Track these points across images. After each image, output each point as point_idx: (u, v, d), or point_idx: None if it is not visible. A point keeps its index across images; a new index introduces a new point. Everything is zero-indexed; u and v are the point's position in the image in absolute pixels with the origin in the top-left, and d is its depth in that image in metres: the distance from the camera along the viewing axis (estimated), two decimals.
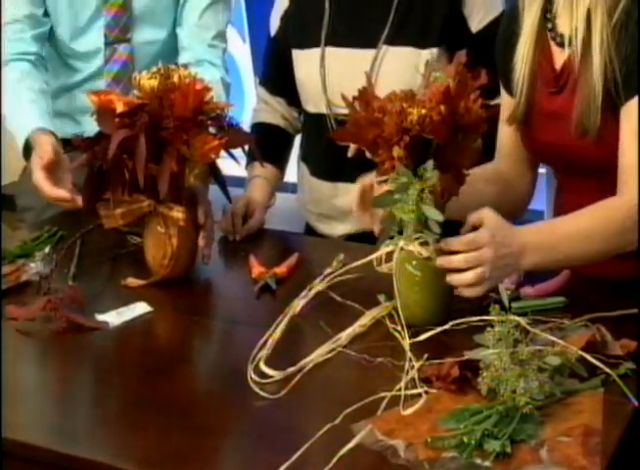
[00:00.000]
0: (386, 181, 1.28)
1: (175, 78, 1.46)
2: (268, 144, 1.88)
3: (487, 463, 0.99)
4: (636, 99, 1.37)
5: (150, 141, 1.42)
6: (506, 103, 1.57)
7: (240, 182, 1.92)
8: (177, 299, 1.49)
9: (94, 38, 1.92)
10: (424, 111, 1.21)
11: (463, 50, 1.34)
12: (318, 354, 1.25)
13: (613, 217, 1.37)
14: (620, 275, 1.56)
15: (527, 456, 1.00)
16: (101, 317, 1.37)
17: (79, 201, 1.55)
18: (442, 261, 1.28)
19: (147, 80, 1.46)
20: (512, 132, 1.56)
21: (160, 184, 1.44)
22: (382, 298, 1.40)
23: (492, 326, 1.12)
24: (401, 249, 1.31)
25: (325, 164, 1.84)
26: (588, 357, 1.13)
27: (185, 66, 1.52)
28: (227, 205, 1.72)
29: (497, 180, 1.57)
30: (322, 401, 1.17)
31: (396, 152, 1.21)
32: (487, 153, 1.60)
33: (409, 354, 1.22)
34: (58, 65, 1.97)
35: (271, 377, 1.19)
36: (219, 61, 1.93)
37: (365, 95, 1.29)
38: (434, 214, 1.23)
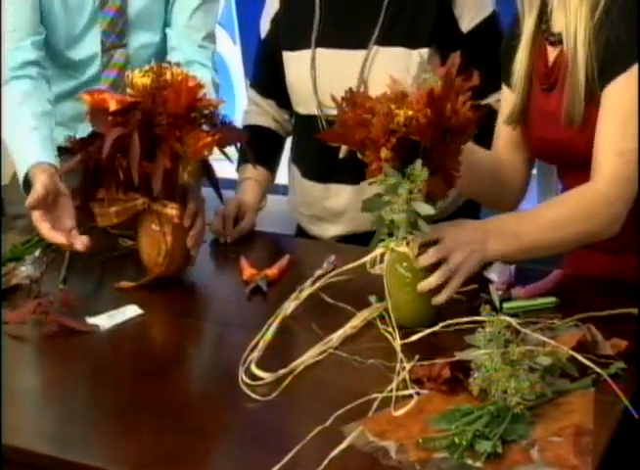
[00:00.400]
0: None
1: (168, 76, 1.46)
2: (259, 146, 1.88)
3: (479, 464, 0.99)
4: (611, 85, 1.37)
5: (143, 138, 1.42)
6: (507, 99, 1.58)
7: (231, 184, 1.92)
8: (168, 301, 1.49)
9: (90, 45, 1.90)
10: (410, 112, 1.22)
11: (457, 51, 1.33)
12: (309, 356, 1.25)
13: (579, 204, 1.37)
14: (615, 274, 1.57)
15: (519, 456, 1.00)
16: (92, 320, 1.37)
17: (78, 244, 1.52)
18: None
19: (140, 78, 1.46)
20: (509, 128, 1.58)
21: (154, 181, 1.44)
22: (373, 299, 1.40)
23: (483, 327, 1.12)
24: (392, 250, 1.32)
25: (316, 165, 1.84)
26: (579, 357, 1.13)
27: (178, 64, 1.52)
28: (219, 206, 1.72)
29: (495, 169, 1.58)
30: (313, 403, 1.17)
31: (384, 153, 1.22)
32: (482, 143, 1.59)
33: (400, 356, 1.22)
34: (52, 74, 1.95)
35: (262, 379, 1.19)
36: (209, 62, 1.92)
37: (353, 96, 1.29)
38: (426, 209, 1.23)
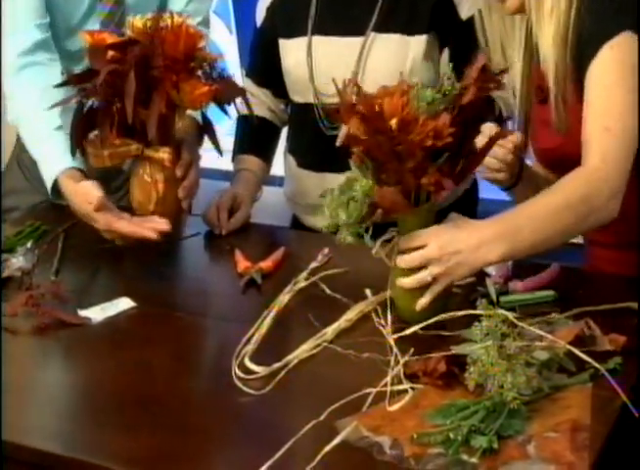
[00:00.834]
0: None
1: (168, 21, 1.48)
2: (254, 136, 1.88)
3: (474, 459, 0.99)
4: (589, 72, 1.37)
5: (139, 79, 1.42)
6: None
7: (226, 176, 1.91)
8: (161, 294, 1.48)
9: None
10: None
11: (482, 54, 1.31)
12: (303, 350, 1.25)
13: (574, 186, 1.34)
14: (615, 268, 1.57)
15: (515, 452, 1.00)
16: (83, 313, 1.37)
17: (165, 227, 1.51)
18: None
19: (139, 21, 1.48)
20: None
21: (149, 124, 1.46)
22: (368, 292, 1.40)
23: (480, 321, 1.12)
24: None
25: (312, 154, 1.84)
26: (576, 352, 1.13)
27: (179, 14, 1.52)
28: (213, 198, 1.72)
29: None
30: (307, 398, 1.17)
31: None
32: None
33: (395, 350, 1.22)
34: None
35: (256, 373, 1.19)
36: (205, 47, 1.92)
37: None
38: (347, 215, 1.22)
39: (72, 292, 1.42)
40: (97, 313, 1.37)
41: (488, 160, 1.42)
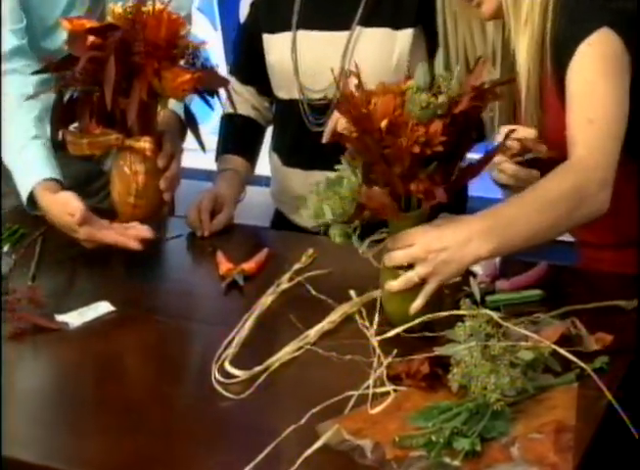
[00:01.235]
0: None
1: (150, 7, 1.48)
2: (238, 135, 1.88)
3: (456, 462, 0.99)
4: (569, 69, 1.39)
5: (120, 66, 1.42)
6: None
7: (209, 176, 1.91)
8: (141, 297, 1.48)
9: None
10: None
11: (482, 61, 1.30)
12: (285, 353, 1.25)
13: (562, 179, 1.34)
14: (606, 268, 1.58)
15: (498, 454, 1.00)
16: (61, 318, 1.37)
17: (148, 234, 1.52)
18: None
19: (119, 7, 1.48)
20: None
21: (129, 111, 1.45)
22: (353, 293, 1.40)
23: (463, 321, 1.13)
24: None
25: (298, 152, 1.84)
26: (562, 352, 1.13)
27: (162, 1, 1.53)
28: (194, 200, 1.72)
29: None
30: (289, 401, 1.17)
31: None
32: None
33: (378, 352, 1.22)
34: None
35: (237, 377, 1.19)
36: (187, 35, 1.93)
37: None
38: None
39: (50, 296, 1.41)
40: (75, 318, 1.37)
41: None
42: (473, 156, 1.86)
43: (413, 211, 1.27)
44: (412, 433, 1.03)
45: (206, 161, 1.89)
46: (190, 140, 1.74)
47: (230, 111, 1.89)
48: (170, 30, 1.47)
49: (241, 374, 1.20)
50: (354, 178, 1.21)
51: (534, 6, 1.41)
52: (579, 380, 1.14)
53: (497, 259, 1.47)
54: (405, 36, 1.71)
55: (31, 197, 1.59)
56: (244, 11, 1.89)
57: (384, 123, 1.20)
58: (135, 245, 1.51)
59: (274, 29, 1.81)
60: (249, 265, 1.55)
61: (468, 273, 1.43)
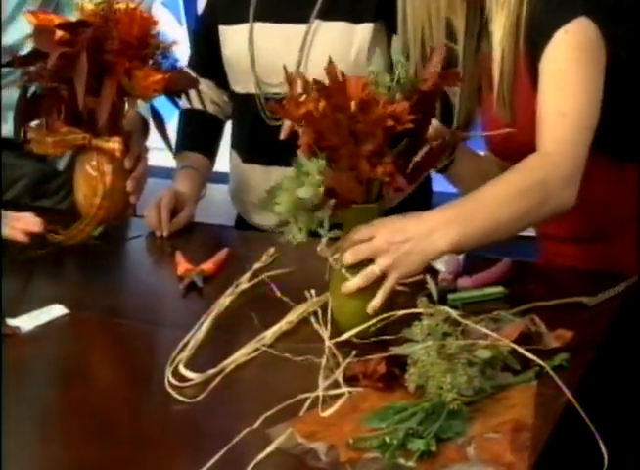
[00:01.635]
0: None
1: (122, 5, 1.48)
2: (197, 131, 1.88)
3: (411, 463, 0.99)
4: (543, 57, 1.39)
5: (91, 63, 1.42)
6: None
7: (170, 173, 1.91)
8: (98, 300, 1.48)
9: (22, 28, 1.89)
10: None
11: (442, 44, 1.30)
12: (241, 354, 1.25)
13: (526, 172, 1.34)
14: (569, 263, 1.59)
15: (454, 455, 1.01)
16: (12, 322, 1.36)
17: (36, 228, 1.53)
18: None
19: (89, 3, 1.48)
20: None
21: (100, 112, 1.45)
22: (312, 293, 1.40)
23: (420, 320, 1.13)
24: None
25: (256, 147, 1.83)
26: (520, 350, 1.13)
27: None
28: (153, 199, 1.72)
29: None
30: (243, 404, 1.17)
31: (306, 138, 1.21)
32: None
33: (334, 352, 1.22)
34: None
35: (190, 380, 1.19)
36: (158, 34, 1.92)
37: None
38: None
39: (2, 300, 1.40)
40: (26, 322, 1.36)
41: None
42: None
43: (372, 202, 1.26)
44: (366, 434, 1.03)
45: (166, 158, 1.89)
46: (151, 138, 1.75)
47: (188, 105, 1.89)
48: (142, 29, 1.47)
49: (195, 377, 1.19)
50: (321, 161, 1.20)
51: None
52: (539, 378, 1.15)
53: (461, 257, 1.48)
54: (365, 31, 1.71)
55: None
56: (202, 2, 1.88)
57: (354, 102, 1.19)
58: (22, 238, 1.53)
59: (231, 21, 1.81)
60: (207, 266, 1.55)
61: (431, 271, 1.44)
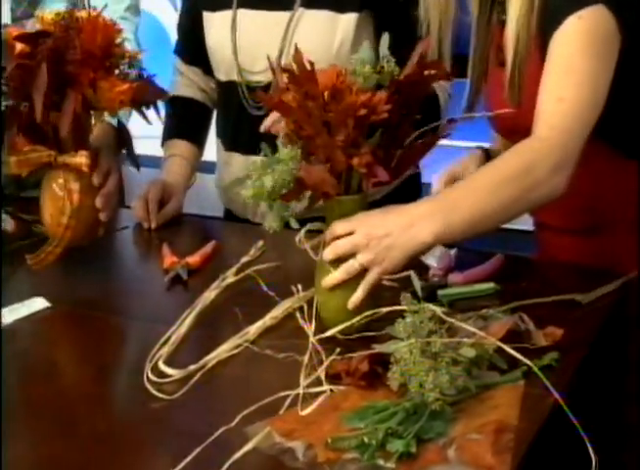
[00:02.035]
0: None
1: (84, 14, 1.46)
2: (185, 119, 1.88)
3: (390, 464, 0.99)
4: (552, 40, 1.38)
5: (52, 76, 1.38)
6: None
7: (157, 163, 1.91)
8: (81, 293, 1.48)
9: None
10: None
11: (427, 38, 1.29)
12: (223, 350, 1.25)
13: (516, 159, 1.32)
14: (567, 256, 1.59)
15: (434, 456, 1.00)
16: None
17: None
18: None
19: (49, 15, 1.45)
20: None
21: (62, 124, 1.41)
22: (299, 288, 1.40)
23: (403, 317, 1.13)
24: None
25: (239, 136, 1.82)
26: (506, 348, 1.13)
27: (94, 8, 1.50)
28: (141, 190, 1.72)
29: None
30: (222, 402, 1.17)
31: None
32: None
33: (318, 349, 1.22)
34: None
35: (170, 376, 1.19)
36: (131, 35, 1.92)
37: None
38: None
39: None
40: (5, 316, 1.36)
41: None
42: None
43: (353, 195, 1.26)
44: (345, 434, 1.03)
45: (155, 148, 1.89)
46: (139, 127, 1.74)
47: (175, 93, 1.89)
48: (106, 38, 1.44)
49: (175, 373, 1.19)
50: (294, 149, 1.20)
51: None
52: (526, 377, 1.15)
53: (453, 252, 1.48)
54: (349, 21, 1.70)
55: None
56: None
57: (326, 89, 1.19)
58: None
59: (215, 7, 1.80)
60: (193, 259, 1.55)
61: (422, 266, 1.44)
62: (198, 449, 1.02)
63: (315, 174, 1.19)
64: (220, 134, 1.90)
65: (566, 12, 1.36)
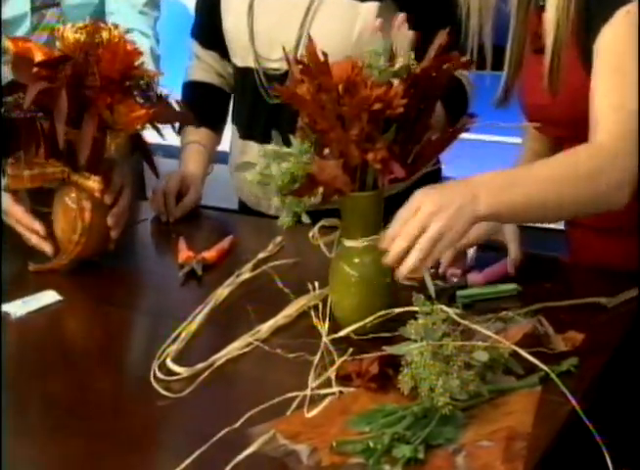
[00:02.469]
0: None
1: (104, 34, 1.46)
2: (202, 104, 1.87)
3: None
4: (600, 36, 1.35)
5: (71, 99, 1.41)
6: None
7: (173, 151, 1.91)
8: (93, 286, 1.49)
9: (19, 3, 1.91)
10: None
11: (446, 29, 1.27)
12: (234, 348, 1.25)
13: (580, 159, 1.30)
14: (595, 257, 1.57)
15: (442, 462, 1.00)
16: (4, 308, 1.37)
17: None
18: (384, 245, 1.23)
19: (72, 33, 1.46)
20: None
21: (81, 149, 1.43)
22: (316, 285, 1.39)
23: (416, 318, 1.12)
24: (339, 242, 1.29)
25: (254, 124, 1.81)
26: (521, 352, 1.12)
27: (115, 26, 1.51)
28: (158, 182, 1.72)
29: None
30: (228, 401, 1.17)
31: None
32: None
33: (331, 349, 1.22)
34: None
35: (178, 374, 1.19)
36: (150, 30, 1.93)
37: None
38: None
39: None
40: (18, 308, 1.38)
41: None
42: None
43: (368, 191, 1.25)
44: (351, 438, 1.03)
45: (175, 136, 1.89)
46: None
47: (193, 78, 1.88)
48: (125, 62, 1.46)
49: (182, 371, 1.20)
50: (303, 146, 1.20)
51: None
52: (544, 383, 1.13)
53: (472, 250, 1.47)
54: (369, 9, 1.68)
55: None
56: None
57: (341, 82, 1.18)
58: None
59: None
60: (209, 254, 1.55)
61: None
62: (200, 450, 1.02)
63: (328, 170, 1.18)
64: (236, 121, 1.89)
65: (612, 6, 1.34)
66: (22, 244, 1.57)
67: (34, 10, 1.89)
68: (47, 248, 1.53)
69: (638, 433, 1.30)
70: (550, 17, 1.41)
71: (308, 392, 1.12)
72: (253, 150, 1.80)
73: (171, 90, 1.59)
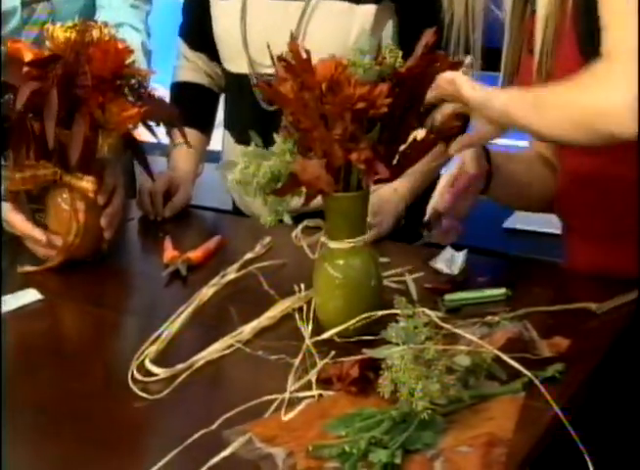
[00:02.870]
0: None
1: (94, 33, 1.47)
2: (191, 106, 1.88)
3: None
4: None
5: (62, 99, 1.42)
6: None
7: (165, 150, 1.92)
8: (75, 286, 1.50)
9: None
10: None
11: (432, 28, 1.27)
12: (214, 350, 1.26)
13: (582, 77, 1.26)
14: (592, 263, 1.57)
15: (419, 468, 1.00)
16: None
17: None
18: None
19: (62, 32, 1.47)
20: None
21: (72, 149, 1.45)
22: (301, 287, 1.40)
23: (397, 321, 1.12)
24: (322, 243, 1.30)
25: (251, 129, 1.82)
26: (504, 357, 1.12)
27: (105, 24, 1.52)
28: (144, 182, 1.73)
29: (532, 161, 1.58)
30: (206, 403, 1.17)
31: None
32: None
33: (313, 352, 1.22)
34: None
35: (156, 375, 1.20)
36: (141, 24, 1.94)
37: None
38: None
39: None
40: None
41: None
42: None
43: (352, 192, 1.25)
44: (327, 442, 1.03)
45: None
46: None
47: (181, 78, 1.89)
48: (116, 61, 1.47)
49: (161, 372, 1.20)
50: (285, 145, 1.20)
51: None
52: (528, 389, 1.14)
53: (463, 253, 1.47)
54: (366, 13, 1.69)
55: None
56: None
57: (324, 80, 1.19)
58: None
59: None
60: (195, 254, 1.56)
61: (433, 270, 1.44)
62: (174, 452, 1.02)
63: (310, 170, 1.19)
64: (230, 127, 1.90)
65: None
66: (8, 241, 1.58)
67: (25, 4, 1.90)
68: (48, 254, 1.53)
69: (623, 440, 1.30)
70: (539, 16, 1.41)
71: (287, 395, 1.12)
72: None
73: (163, 85, 1.61)
